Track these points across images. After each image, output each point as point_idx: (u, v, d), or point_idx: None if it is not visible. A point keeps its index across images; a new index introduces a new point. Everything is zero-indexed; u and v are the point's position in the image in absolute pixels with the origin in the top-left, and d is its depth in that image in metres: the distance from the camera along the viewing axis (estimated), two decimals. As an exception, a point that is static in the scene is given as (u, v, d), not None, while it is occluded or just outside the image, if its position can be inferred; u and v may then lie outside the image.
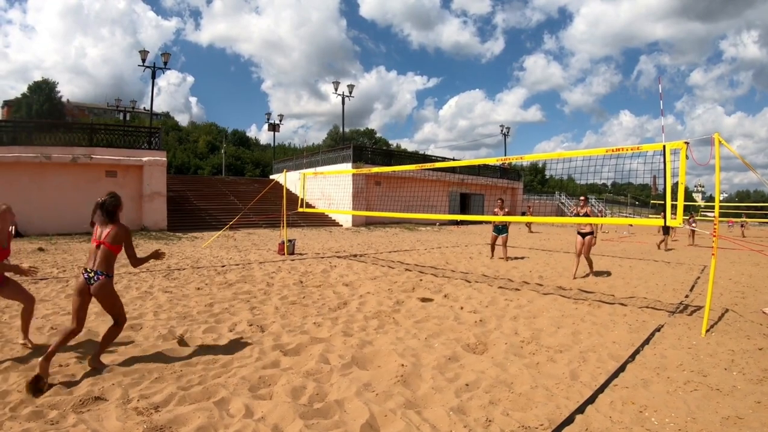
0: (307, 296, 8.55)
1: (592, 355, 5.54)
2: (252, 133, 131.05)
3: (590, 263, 12.19)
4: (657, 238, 25.05)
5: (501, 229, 15.08)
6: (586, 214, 11.78)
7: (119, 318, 5.12)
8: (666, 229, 19.57)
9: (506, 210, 14.86)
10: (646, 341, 6.18)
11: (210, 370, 4.80)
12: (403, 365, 4.94)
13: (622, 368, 5.11)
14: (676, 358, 5.51)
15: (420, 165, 10.92)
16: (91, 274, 4.90)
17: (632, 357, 5.51)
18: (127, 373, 4.64)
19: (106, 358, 5.01)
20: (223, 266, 12.23)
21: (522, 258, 16.00)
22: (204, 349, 5.49)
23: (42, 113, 66.36)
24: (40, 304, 7.59)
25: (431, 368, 4.92)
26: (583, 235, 11.88)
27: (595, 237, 12.11)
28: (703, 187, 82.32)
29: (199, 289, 9.13)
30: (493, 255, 15.46)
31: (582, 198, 12.12)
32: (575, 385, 4.59)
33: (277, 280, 10.11)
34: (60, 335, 4.76)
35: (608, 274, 12.70)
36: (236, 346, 5.63)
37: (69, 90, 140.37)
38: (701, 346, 6.04)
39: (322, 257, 14.72)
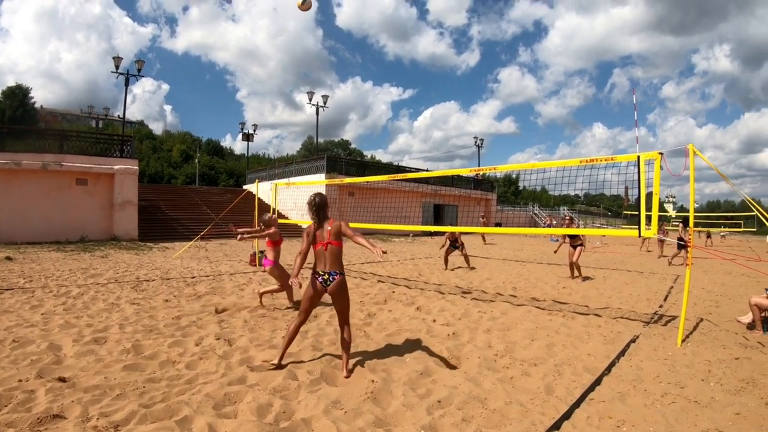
0: (277, 309, 8.38)
1: (567, 368, 5.45)
2: (227, 142, 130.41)
3: (579, 269, 13.25)
4: (639, 248, 25.27)
5: (456, 246, 15.64)
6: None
7: (348, 317, 5.40)
8: (681, 245, 19.01)
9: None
10: (622, 353, 6.12)
11: (174, 387, 4.63)
12: (373, 381, 4.80)
13: (597, 381, 5.03)
14: (652, 369, 5.46)
15: (392, 176, 10.80)
16: (326, 276, 5.19)
17: (608, 369, 5.44)
18: (87, 390, 4.47)
19: (67, 372, 4.88)
20: (193, 277, 12.03)
21: (485, 268, 16.01)
22: (169, 365, 5.32)
23: (15, 119, 65.27)
24: (3, 315, 7.47)
25: (402, 384, 4.78)
26: (575, 246, 13.21)
27: (584, 247, 13.46)
28: (674, 197, 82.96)
29: (167, 301, 8.94)
30: (447, 267, 15.51)
31: (568, 218, 13.98)
32: (550, 400, 4.49)
33: (248, 292, 9.91)
34: (291, 331, 5.40)
35: (589, 278, 13.28)
36: (202, 360, 5.46)
37: (42, 95, 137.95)
38: (677, 356, 6.01)
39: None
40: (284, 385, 4.69)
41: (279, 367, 5.21)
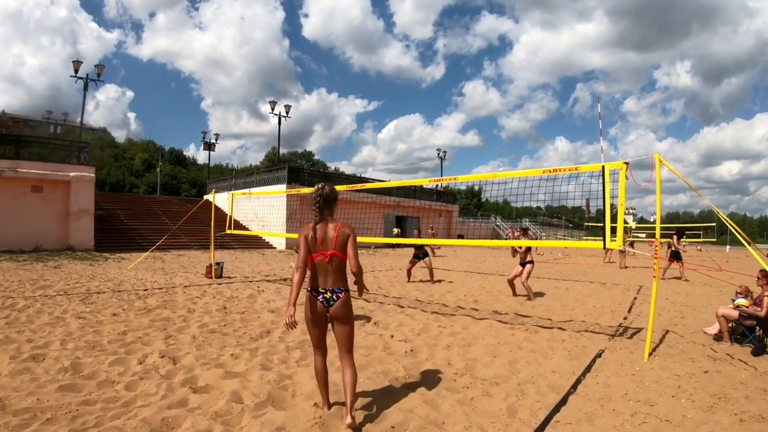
0: (229, 324, 8.02)
1: (531, 386, 5.19)
2: (190, 152, 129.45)
3: (530, 290, 11.98)
4: (602, 259, 25.24)
5: (421, 256, 15.33)
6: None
7: (350, 345, 4.36)
8: (677, 254, 17.94)
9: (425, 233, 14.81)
10: (588, 369, 5.91)
11: (109, 410, 4.29)
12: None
13: (563, 401, 4.77)
14: (620, 386, 5.25)
15: (351, 186, 10.60)
16: (328, 295, 4.21)
17: (574, 387, 5.19)
18: (17, 413, 4.16)
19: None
20: (146, 290, 11.60)
21: (446, 281, 15.77)
22: (107, 385, 4.98)
23: (-24, 124, 63.76)
24: None
25: (354, 407, 4.42)
26: (523, 265, 12.02)
27: (533, 265, 12.25)
28: (634, 209, 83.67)
29: (115, 315, 8.55)
30: (409, 279, 15.25)
31: (520, 228, 13.13)
32: (513, 424, 4.22)
33: (200, 306, 9.56)
34: (318, 374, 4.39)
35: (542, 295, 12.66)
36: (143, 381, 5.11)
37: (4, 100, 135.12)
38: (645, 371, 5.83)
39: (251, 281, 14.22)
40: (227, 409, 4.36)
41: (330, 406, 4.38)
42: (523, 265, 12.04)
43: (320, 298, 4.21)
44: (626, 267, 22.56)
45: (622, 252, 22.46)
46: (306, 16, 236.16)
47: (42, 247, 22.73)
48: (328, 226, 4.29)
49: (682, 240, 19.39)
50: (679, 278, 17.32)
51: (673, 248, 18.00)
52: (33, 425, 3.94)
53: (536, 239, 50.18)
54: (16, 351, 6.05)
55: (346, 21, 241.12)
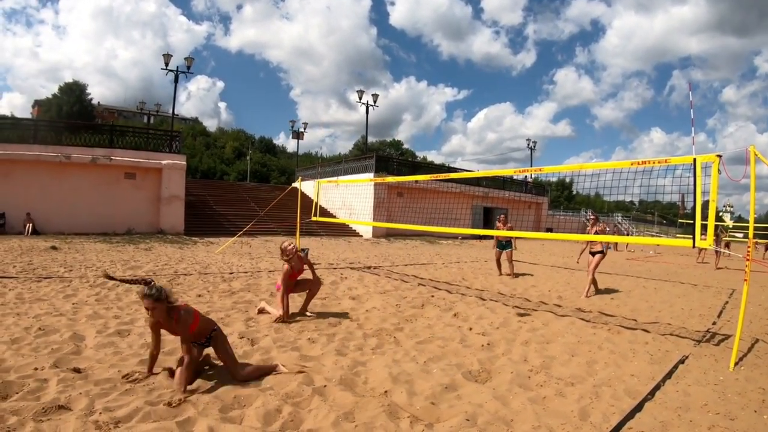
0: (309, 309, 8.09)
1: (607, 389, 4.98)
2: (280, 140, 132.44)
3: (594, 283, 11.53)
4: (695, 259, 24.28)
5: (505, 244, 14.47)
6: (596, 233, 11.15)
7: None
8: None
9: (509, 225, 14.13)
10: (668, 375, 5.61)
11: (185, 386, 4.41)
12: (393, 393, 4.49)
13: (639, 407, 4.54)
14: (700, 396, 4.95)
15: (434, 175, 10.51)
16: None
17: (651, 394, 4.94)
18: (98, 383, 4.39)
19: (83, 363, 4.70)
20: (231, 273, 11.92)
21: (531, 275, 15.31)
22: (185, 362, 5.12)
23: (72, 115, 66.75)
24: (36, 303, 7.55)
25: (424, 398, 4.41)
26: (593, 254, 11.43)
27: (604, 254, 11.60)
28: (732, 206, 79.56)
29: (199, 296, 8.87)
30: (501, 272, 14.64)
31: (592, 216, 11.75)
32: (584, 427, 4.05)
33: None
34: None
35: (615, 292, 12.12)
36: (219, 360, 5.23)
37: (99, 92, 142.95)
38: (729, 382, 5.47)
39: (335, 268, 14.37)
40: (298, 391, 4.41)
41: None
42: (593, 254, 11.45)
43: None
44: (720, 268, 21.59)
45: (717, 252, 21.43)
46: (392, 3, 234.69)
47: (134, 230, 23.79)
48: None
49: None
50: None
51: None
52: (112, 395, 4.12)
53: (625, 233, 48.81)
54: (103, 326, 6.35)
55: (433, 7, 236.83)
